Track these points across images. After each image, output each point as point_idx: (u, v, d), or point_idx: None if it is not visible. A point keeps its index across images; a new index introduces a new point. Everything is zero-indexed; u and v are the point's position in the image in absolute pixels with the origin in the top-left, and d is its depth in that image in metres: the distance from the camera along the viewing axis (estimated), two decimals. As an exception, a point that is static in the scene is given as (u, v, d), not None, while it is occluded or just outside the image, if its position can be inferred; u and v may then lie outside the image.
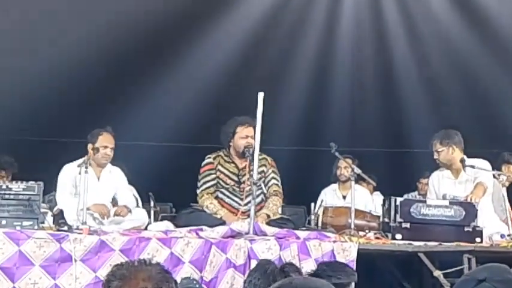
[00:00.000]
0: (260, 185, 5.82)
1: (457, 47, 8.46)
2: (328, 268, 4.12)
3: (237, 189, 6.11)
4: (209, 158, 6.21)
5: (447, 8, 8.26)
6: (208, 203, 6.03)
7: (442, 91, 8.89)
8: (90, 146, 6.04)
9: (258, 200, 6.04)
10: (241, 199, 6.05)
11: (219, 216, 5.93)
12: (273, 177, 6.23)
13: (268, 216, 5.98)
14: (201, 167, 6.20)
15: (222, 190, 6.13)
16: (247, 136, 6.04)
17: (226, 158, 6.18)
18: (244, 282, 3.88)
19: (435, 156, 6.40)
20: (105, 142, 6.05)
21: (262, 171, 6.14)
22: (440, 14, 8.30)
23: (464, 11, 8.20)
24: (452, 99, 8.84)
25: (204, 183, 6.14)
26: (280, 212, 6.21)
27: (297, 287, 2.20)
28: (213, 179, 6.14)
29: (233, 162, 6.15)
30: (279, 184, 6.25)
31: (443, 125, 7.07)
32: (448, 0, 8.25)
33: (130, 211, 6.03)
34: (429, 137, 6.63)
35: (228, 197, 6.11)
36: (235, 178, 6.13)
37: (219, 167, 6.15)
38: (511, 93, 8.52)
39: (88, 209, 5.63)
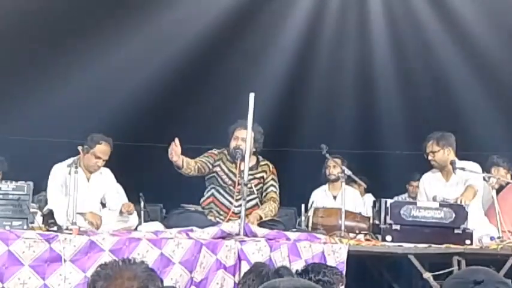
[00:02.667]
0: (251, 187, 5.84)
1: (439, 52, 8.50)
2: (314, 267, 4.14)
3: (233, 189, 6.13)
4: (215, 150, 6.28)
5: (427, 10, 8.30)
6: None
7: (435, 94, 8.92)
8: (82, 147, 6.01)
9: (252, 203, 6.07)
10: (236, 200, 6.07)
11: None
12: (272, 185, 6.28)
13: (261, 217, 6.00)
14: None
15: (218, 188, 6.17)
16: (238, 138, 6.08)
17: (228, 157, 6.22)
18: (239, 283, 3.88)
19: (430, 157, 6.41)
20: (100, 153, 6.02)
21: (262, 177, 6.23)
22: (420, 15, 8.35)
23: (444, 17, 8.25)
24: (444, 102, 8.87)
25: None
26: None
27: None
28: (207, 160, 6.16)
29: (234, 162, 6.18)
30: (277, 192, 6.30)
31: (434, 127, 7.09)
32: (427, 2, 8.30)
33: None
34: (420, 139, 6.65)
35: (222, 195, 6.15)
36: (234, 178, 6.15)
37: (220, 163, 6.19)
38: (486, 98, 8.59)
39: (83, 214, 5.64)
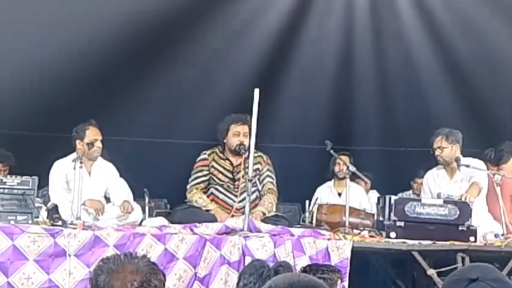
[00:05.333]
0: (255, 182, 5.82)
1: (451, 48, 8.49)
2: (312, 266, 4.16)
3: (232, 186, 6.10)
4: (204, 154, 6.22)
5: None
6: (197, 198, 6.04)
7: (437, 92, 8.90)
8: (79, 141, 5.99)
9: (253, 197, 6.02)
10: (236, 196, 6.05)
11: (210, 208, 5.95)
12: (268, 175, 6.22)
13: (264, 213, 5.98)
14: (195, 163, 6.20)
15: (217, 187, 6.12)
16: (240, 133, 6.04)
17: (221, 155, 6.18)
18: (238, 284, 3.87)
19: (437, 153, 6.38)
20: (93, 135, 6.01)
21: (257, 168, 6.12)
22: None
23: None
24: (447, 100, 8.85)
25: (195, 178, 6.14)
26: (274, 209, 6.21)
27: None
28: (204, 175, 6.14)
29: (228, 159, 6.15)
30: (274, 182, 6.24)
31: (438, 124, 7.08)
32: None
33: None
34: (423, 136, 6.64)
35: (222, 193, 6.11)
36: (230, 175, 6.12)
37: (213, 164, 6.15)
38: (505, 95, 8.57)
39: (83, 204, 5.63)
